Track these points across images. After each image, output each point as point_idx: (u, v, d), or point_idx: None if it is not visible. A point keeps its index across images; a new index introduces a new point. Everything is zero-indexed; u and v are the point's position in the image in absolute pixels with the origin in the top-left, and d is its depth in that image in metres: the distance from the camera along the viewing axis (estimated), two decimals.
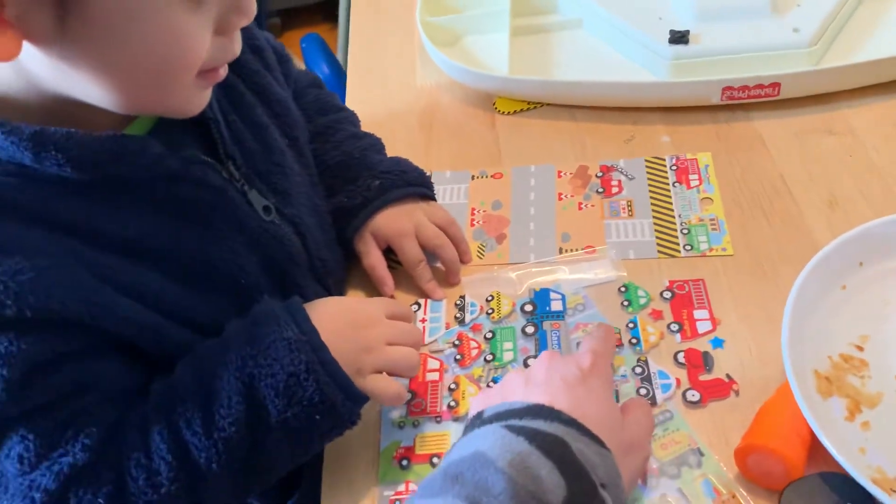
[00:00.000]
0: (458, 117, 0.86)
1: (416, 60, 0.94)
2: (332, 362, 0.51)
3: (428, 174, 0.73)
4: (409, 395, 0.61)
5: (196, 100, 0.52)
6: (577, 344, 0.63)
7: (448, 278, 0.69)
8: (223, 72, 0.52)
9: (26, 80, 0.47)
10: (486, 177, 0.78)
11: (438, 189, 0.76)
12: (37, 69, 0.46)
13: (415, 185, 0.71)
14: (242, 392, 0.50)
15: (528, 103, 0.84)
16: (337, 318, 0.54)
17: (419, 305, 0.68)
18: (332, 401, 0.51)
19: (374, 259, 0.68)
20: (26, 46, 0.44)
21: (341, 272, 0.71)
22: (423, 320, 0.67)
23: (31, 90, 0.48)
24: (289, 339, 0.51)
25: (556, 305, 0.66)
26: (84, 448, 0.48)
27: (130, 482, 0.49)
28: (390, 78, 0.93)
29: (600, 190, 0.74)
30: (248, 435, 0.50)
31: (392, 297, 0.68)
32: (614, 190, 0.74)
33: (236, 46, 0.51)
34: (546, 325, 0.65)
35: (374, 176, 0.70)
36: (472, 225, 0.74)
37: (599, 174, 0.76)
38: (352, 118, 0.78)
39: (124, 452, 0.49)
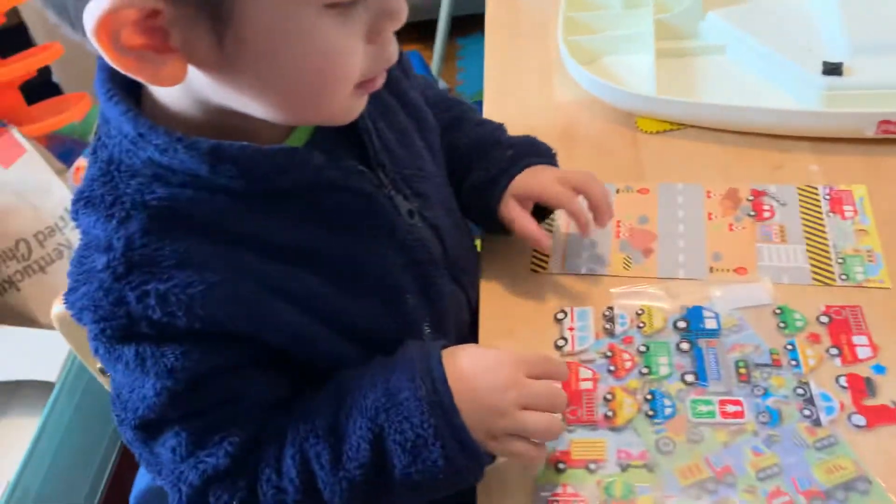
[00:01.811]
0: (599, 134, 0.86)
1: (553, 78, 0.95)
2: (461, 428, 0.51)
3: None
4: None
5: (354, 109, 0.53)
6: (735, 363, 0.63)
7: (600, 217, 0.69)
8: (381, 80, 0.53)
9: (193, 98, 0.49)
10: (632, 191, 0.78)
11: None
12: (202, 88, 0.48)
13: (545, 156, 0.72)
14: (371, 441, 0.51)
15: (672, 124, 0.85)
16: (473, 377, 0.52)
17: (565, 314, 0.69)
18: (456, 465, 0.51)
19: (524, 220, 0.68)
20: (191, 69, 0.46)
21: (474, 271, 0.72)
22: (571, 328, 0.67)
23: (197, 106, 0.50)
24: (421, 399, 0.51)
25: (710, 324, 0.66)
26: (226, 454, 0.51)
27: (261, 494, 0.52)
28: (528, 95, 0.94)
29: (751, 213, 0.74)
30: (372, 481, 0.51)
31: (548, 251, 0.71)
32: (766, 214, 0.74)
33: (391, 53, 0.51)
34: (701, 342, 0.64)
35: (506, 147, 0.72)
36: (618, 237, 0.74)
37: (750, 198, 0.76)
38: (474, 110, 0.80)
39: (259, 465, 0.52)
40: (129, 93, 0.51)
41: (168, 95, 0.50)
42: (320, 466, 0.51)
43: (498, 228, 0.71)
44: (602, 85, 0.86)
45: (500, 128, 0.77)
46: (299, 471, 0.51)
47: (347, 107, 0.52)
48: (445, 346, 0.55)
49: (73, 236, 1.26)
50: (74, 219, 0.53)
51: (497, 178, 0.69)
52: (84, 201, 0.51)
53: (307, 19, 0.45)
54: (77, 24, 0.44)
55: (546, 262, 0.73)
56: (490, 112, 0.92)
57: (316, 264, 0.54)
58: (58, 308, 0.68)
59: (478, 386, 0.52)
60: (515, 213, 0.68)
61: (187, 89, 0.48)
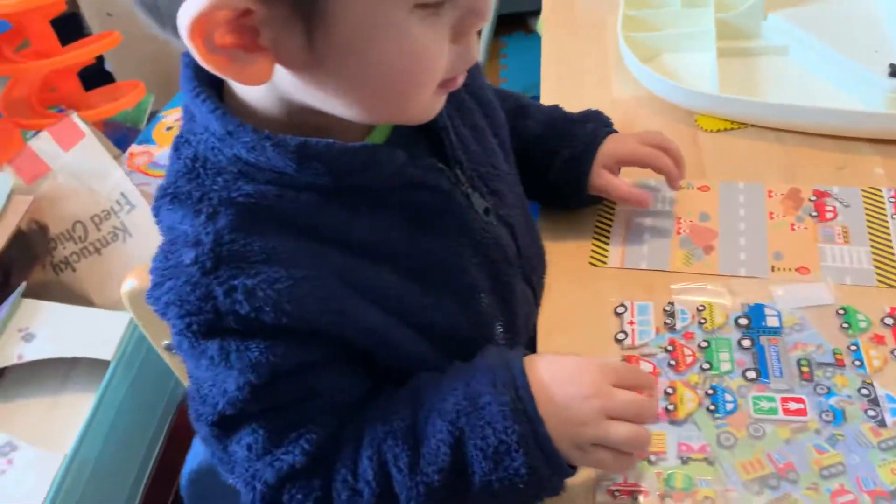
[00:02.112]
0: (659, 131, 0.86)
1: (611, 75, 0.96)
2: (545, 437, 0.49)
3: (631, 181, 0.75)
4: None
5: (434, 108, 0.53)
6: (797, 361, 0.62)
7: (681, 170, 0.73)
8: (461, 79, 0.53)
9: (276, 96, 0.50)
10: (693, 188, 0.78)
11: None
12: (287, 87, 0.48)
13: (610, 125, 0.76)
14: (451, 445, 0.50)
15: (733, 123, 0.85)
16: (555, 386, 0.51)
17: (625, 308, 0.69)
18: (538, 475, 0.50)
19: (620, 185, 0.72)
20: (277, 67, 0.46)
21: (543, 269, 0.72)
22: (631, 322, 0.68)
23: (280, 104, 0.50)
24: (504, 404, 0.49)
25: (772, 322, 0.66)
26: (303, 452, 0.50)
27: (335, 495, 0.51)
28: (586, 92, 0.94)
29: (814, 214, 0.74)
30: (450, 486, 0.50)
31: (649, 206, 0.74)
32: (829, 215, 0.74)
33: (474, 53, 0.51)
34: (763, 340, 0.64)
35: (583, 122, 0.75)
36: (679, 233, 0.74)
37: (812, 198, 0.75)
38: (527, 97, 0.80)
39: (335, 466, 0.51)
40: (213, 89, 0.51)
41: (251, 93, 0.50)
42: (398, 469, 0.50)
43: (585, 202, 0.75)
44: (663, 82, 0.86)
45: (558, 107, 0.79)
46: (376, 473, 0.50)
47: (429, 106, 0.52)
48: (525, 355, 0.54)
49: (128, 220, 1.29)
50: (156, 215, 0.53)
51: (586, 151, 0.72)
52: (170, 198, 0.51)
53: (397, 19, 0.45)
54: (167, 22, 0.45)
55: (606, 257, 0.74)
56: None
57: (395, 262, 0.54)
58: (129, 284, 0.69)
59: (561, 395, 0.51)
60: (608, 180, 0.72)
61: (271, 87, 0.49)
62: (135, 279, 0.68)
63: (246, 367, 0.49)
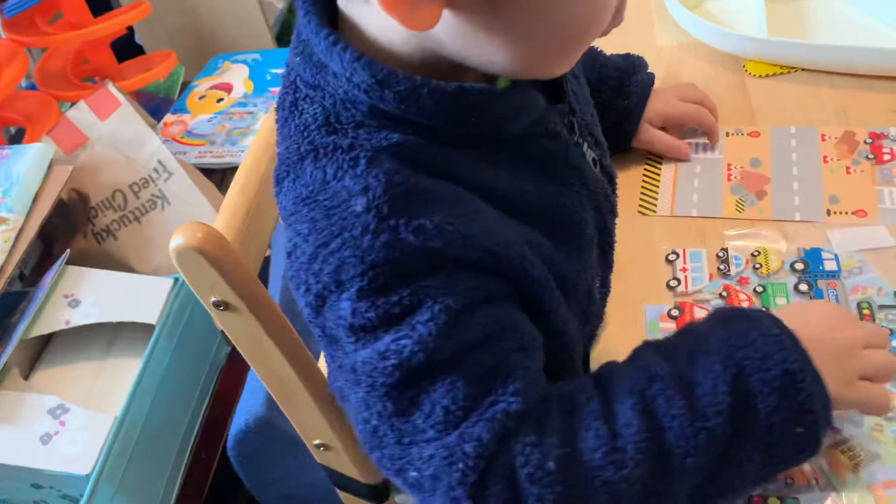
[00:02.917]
0: (706, 78, 0.84)
1: (654, 23, 0.93)
2: (818, 371, 0.46)
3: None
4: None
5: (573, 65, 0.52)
6: (858, 305, 0.61)
7: (712, 130, 0.76)
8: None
9: (418, 43, 0.46)
10: (742, 134, 0.77)
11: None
12: (440, 34, 0.44)
13: (650, 76, 0.77)
14: (730, 382, 0.45)
15: (782, 68, 0.82)
16: (811, 325, 0.49)
17: (677, 255, 0.68)
18: (816, 413, 0.46)
19: (664, 137, 0.76)
20: (444, 15, 0.43)
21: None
22: (684, 269, 0.67)
23: (417, 52, 0.46)
24: (778, 336, 0.47)
25: (829, 265, 0.64)
26: (516, 392, 0.44)
27: (585, 452, 0.44)
28: (629, 41, 0.91)
29: (870, 156, 0.72)
30: (730, 432, 0.45)
31: (689, 158, 0.76)
32: (886, 157, 0.71)
33: (623, 13, 0.50)
34: (821, 283, 0.63)
35: (633, 74, 0.76)
36: (729, 180, 0.73)
37: (868, 140, 0.73)
38: None
39: (576, 417, 0.45)
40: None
41: (385, 39, 0.47)
42: (672, 416, 0.44)
43: (624, 148, 0.77)
44: (709, 28, 0.84)
45: (601, 52, 0.78)
46: (644, 423, 0.44)
47: (572, 63, 0.50)
48: None
49: (166, 188, 1.29)
50: (282, 180, 0.49)
51: (637, 106, 0.75)
52: (311, 154, 0.47)
53: None
54: None
55: (655, 205, 0.73)
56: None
57: (533, 214, 0.51)
58: (175, 241, 0.69)
59: (818, 332, 0.49)
60: (653, 134, 0.76)
61: (413, 33, 0.45)
62: (182, 236, 0.68)
63: (440, 300, 0.44)
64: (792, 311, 0.51)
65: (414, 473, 0.45)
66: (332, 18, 0.49)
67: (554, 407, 0.46)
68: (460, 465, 0.43)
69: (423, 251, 0.44)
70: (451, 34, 0.45)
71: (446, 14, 0.43)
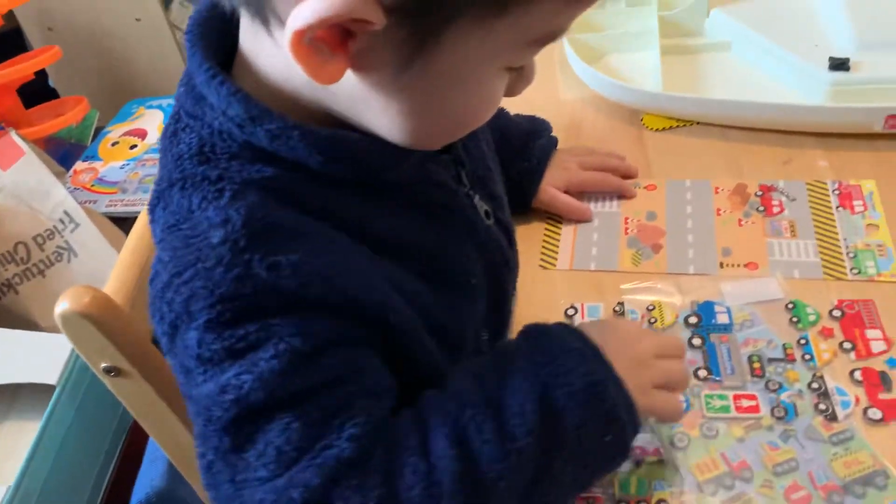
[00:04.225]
0: (605, 131, 0.86)
1: (557, 76, 0.95)
2: (620, 379, 0.49)
3: None
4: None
5: None
6: (748, 358, 0.62)
7: (631, 177, 0.79)
8: None
9: (310, 91, 0.46)
10: (640, 188, 0.78)
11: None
12: (341, 92, 0.45)
13: (553, 139, 0.79)
14: (537, 400, 0.47)
15: (678, 121, 0.85)
16: (605, 336, 0.51)
17: (576, 309, 0.68)
18: (622, 421, 0.48)
19: (565, 198, 0.76)
20: (347, 74, 0.43)
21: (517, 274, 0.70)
22: None
23: (305, 99, 0.47)
24: (580, 349, 0.49)
25: (722, 318, 0.65)
26: (351, 438, 0.44)
27: (403, 490, 0.44)
28: (533, 93, 0.92)
29: (761, 208, 0.74)
30: (540, 450, 0.46)
31: (590, 218, 0.77)
32: (775, 210, 0.74)
33: (532, 75, 0.51)
34: (713, 337, 0.64)
35: (536, 137, 0.78)
36: (626, 233, 0.74)
37: (759, 193, 0.75)
38: None
39: (398, 455, 0.45)
40: (225, 73, 0.47)
41: (274, 81, 0.47)
42: (484, 440, 0.45)
43: (525, 207, 0.77)
44: (607, 82, 0.85)
45: (506, 112, 0.80)
46: (458, 452, 0.44)
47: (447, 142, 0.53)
48: None
49: (73, 239, 1.25)
50: (153, 208, 0.49)
51: (537, 168, 0.76)
52: (179, 183, 0.46)
53: (489, 71, 0.45)
54: (263, 7, 0.42)
55: (555, 259, 0.73)
56: None
57: (413, 260, 0.51)
58: (61, 307, 0.67)
59: (614, 343, 0.51)
60: (554, 195, 0.76)
61: (308, 82, 0.44)
62: (67, 301, 0.65)
63: (282, 343, 0.43)
64: (593, 326, 0.54)
65: None
66: (229, 55, 0.49)
67: (378, 447, 0.45)
68: None
69: (275, 289, 0.43)
70: (348, 94, 0.45)
71: (350, 75, 0.43)
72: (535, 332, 0.52)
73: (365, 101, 0.45)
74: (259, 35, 0.45)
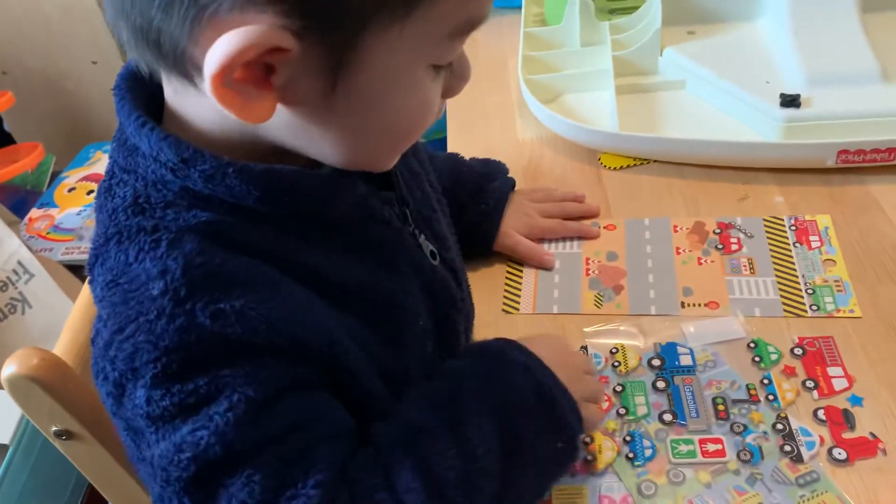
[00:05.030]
0: (564, 171, 0.86)
1: (515, 117, 0.95)
2: (565, 387, 0.52)
3: None
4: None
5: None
6: (713, 400, 0.62)
7: (589, 214, 0.80)
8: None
9: (240, 129, 0.45)
10: (600, 228, 0.78)
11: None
12: (276, 127, 0.45)
13: (509, 181, 0.80)
14: (493, 419, 0.49)
15: (635, 159, 0.85)
16: (542, 349, 0.54)
17: None
18: (573, 427, 0.52)
19: (527, 244, 0.76)
20: (278, 108, 0.43)
21: (473, 318, 0.69)
22: None
23: (237, 137, 0.46)
24: (524, 363, 0.51)
25: (685, 360, 0.65)
26: (317, 485, 0.43)
27: None
28: (491, 133, 0.94)
29: (719, 246, 0.74)
30: (500, 466, 0.48)
31: (552, 267, 0.76)
32: (734, 247, 0.74)
33: (442, 111, 0.52)
34: (677, 380, 0.64)
35: (491, 178, 0.78)
36: (588, 274, 0.74)
37: (717, 231, 0.76)
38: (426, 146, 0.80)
39: (365, 494, 0.45)
40: (155, 120, 0.47)
41: (203, 124, 0.46)
42: (448, 467, 0.46)
43: (485, 251, 0.77)
44: (564, 122, 0.86)
45: (460, 157, 0.81)
46: (424, 481, 0.45)
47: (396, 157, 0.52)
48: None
49: (27, 290, 1.22)
50: (92, 267, 0.48)
51: (496, 209, 0.76)
52: (115, 238, 0.46)
53: (416, 73, 0.45)
54: (166, 55, 0.42)
55: (517, 303, 0.72)
56: (454, 150, 0.91)
57: (357, 301, 0.50)
58: (8, 370, 0.64)
59: (553, 356, 0.54)
60: (517, 240, 0.76)
61: (235, 121, 0.44)
62: (14, 364, 0.63)
63: (236, 395, 0.42)
64: (529, 341, 0.56)
65: None
66: (156, 108, 0.49)
67: (342, 490, 0.44)
68: None
69: (220, 337, 0.42)
70: (284, 127, 0.45)
71: (281, 108, 0.43)
72: (479, 351, 0.54)
73: (302, 130, 0.45)
74: (182, 87, 0.45)
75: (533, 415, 0.50)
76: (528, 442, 0.49)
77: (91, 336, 0.47)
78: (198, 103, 0.45)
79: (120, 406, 0.45)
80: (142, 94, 0.49)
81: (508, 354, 0.53)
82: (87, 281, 0.71)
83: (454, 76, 0.49)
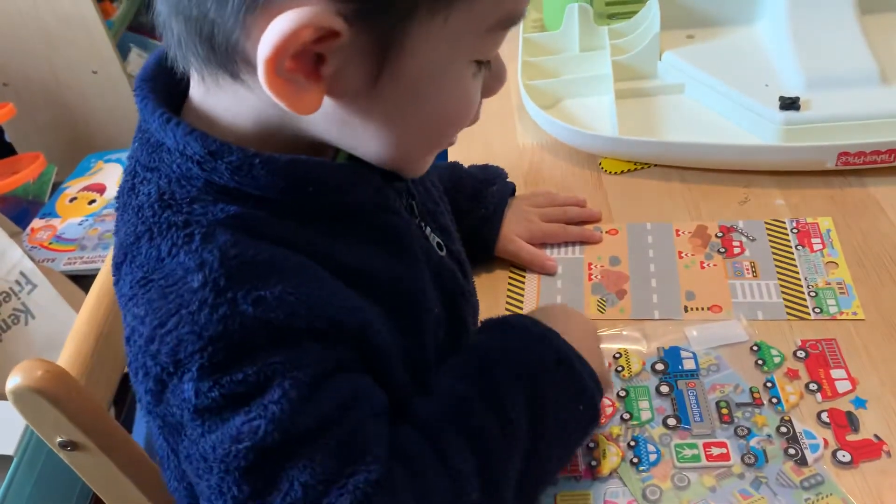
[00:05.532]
0: (564, 176, 0.86)
1: (515, 122, 0.96)
2: (581, 356, 0.55)
3: None
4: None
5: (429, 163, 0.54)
6: (716, 404, 0.62)
7: (591, 219, 0.80)
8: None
9: (266, 121, 0.47)
10: (601, 233, 0.78)
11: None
12: (317, 119, 0.45)
13: (508, 186, 0.80)
14: (521, 390, 0.51)
15: (636, 164, 0.85)
16: (559, 322, 0.56)
17: None
18: (591, 389, 0.54)
19: (530, 249, 0.76)
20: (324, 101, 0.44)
21: (478, 312, 0.70)
22: None
23: (262, 131, 0.47)
24: (541, 333, 0.54)
25: (688, 364, 0.65)
26: (375, 459, 0.44)
27: (434, 494, 0.46)
28: (492, 139, 0.94)
29: (721, 250, 0.74)
30: (531, 434, 0.51)
31: (554, 272, 0.76)
32: (736, 251, 0.74)
33: (479, 112, 0.52)
34: (681, 384, 0.64)
35: (490, 183, 0.78)
36: (590, 279, 0.74)
37: (719, 234, 0.76)
38: None
39: (420, 463, 0.46)
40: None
41: (228, 117, 0.47)
42: (490, 436, 0.49)
43: (486, 255, 0.77)
44: (564, 128, 0.86)
45: (459, 164, 0.82)
46: (473, 448, 0.48)
47: (429, 162, 0.53)
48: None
49: (30, 301, 1.22)
50: (119, 265, 0.48)
51: (495, 214, 0.77)
52: (145, 235, 0.46)
53: (461, 66, 0.46)
54: (217, 49, 0.43)
55: (521, 308, 0.72)
56: (454, 157, 0.91)
57: (377, 290, 0.51)
58: (12, 382, 0.64)
59: (565, 324, 0.56)
60: (520, 246, 0.77)
61: (261, 112, 0.46)
62: (19, 375, 0.63)
63: (289, 375, 0.43)
64: (543, 312, 0.59)
65: None
66: (176, 106, 0.50)
67: (397, 466, 0.45)
68: None
69: (263, 323, 0.43)
70: (328, 119, 0.46)
71: (326, 100, 0.44)
72: (500, 325, 0.57)
73: (345, 123, 0.46)
74: (218, 85, 0.46)
75: (555, 381, 0.53)
76: (551, 407, 0.52)
77: (125, 335, 0.47)
78: (234, 98, 0.46)
79: (159, 402, 0.45)
80: (163, 91, 0.50)
81: (528, 328, 0.55)
82: (87, 296, 0.71)
83: (492, 76, 0.50)
